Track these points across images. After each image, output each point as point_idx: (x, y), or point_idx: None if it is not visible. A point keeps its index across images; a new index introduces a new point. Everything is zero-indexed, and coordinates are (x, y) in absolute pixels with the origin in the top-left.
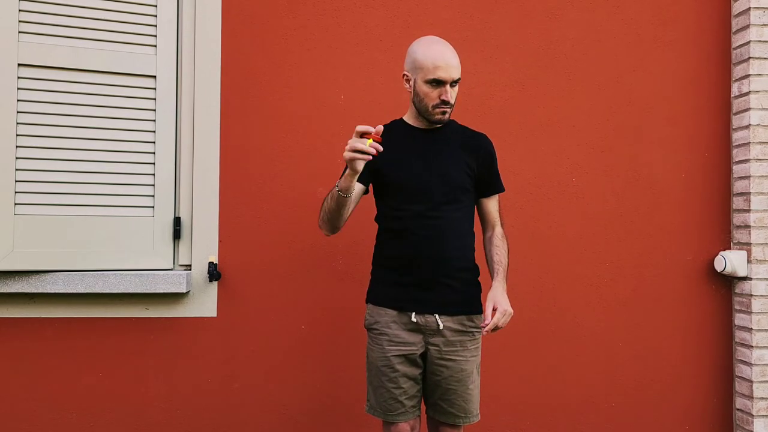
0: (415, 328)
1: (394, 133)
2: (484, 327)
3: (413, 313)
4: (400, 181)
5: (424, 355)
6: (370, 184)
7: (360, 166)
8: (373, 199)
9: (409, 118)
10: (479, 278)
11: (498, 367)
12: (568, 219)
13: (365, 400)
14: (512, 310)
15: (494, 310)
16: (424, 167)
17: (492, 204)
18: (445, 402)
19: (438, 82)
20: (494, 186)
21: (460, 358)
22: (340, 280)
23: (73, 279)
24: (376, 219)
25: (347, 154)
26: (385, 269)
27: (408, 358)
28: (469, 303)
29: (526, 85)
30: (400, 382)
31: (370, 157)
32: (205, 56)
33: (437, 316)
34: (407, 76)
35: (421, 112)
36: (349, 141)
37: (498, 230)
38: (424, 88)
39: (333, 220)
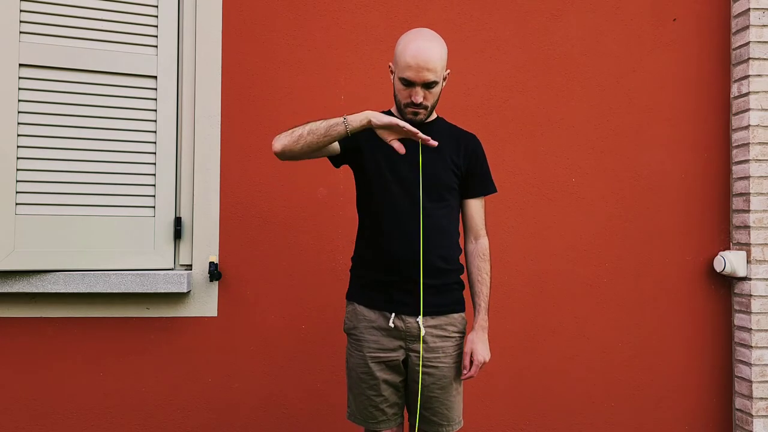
0: (396, 334)
1: None
2: (464, 376)
3: (392, 317)
4: (385, 176)
5: (405, 362)
6: (349, 169)
7: (386, 135)
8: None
9: (396, 110)
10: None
11: (498, 367)
12: (568, 219)
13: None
14: (489, 357)
15: (472, 360)
16: (410, 163)
17: (476, 207)
18: (428, 410)
19: (408, 82)
20: (481, 187)
21: (443, 365)
22: (340, 280)
23: (73, 279)
24: (358, 207)
25: (397, 124)
26: (366, 268)
27: (388, 365)
28: (452, 304)
29: (526, 85)
30: (380, 389)
31: (397, 141)
32: (206, 56)
33: (419, 319)
34: (391, 67)
35: (397, 106)
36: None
37: (482, 243)
38: (397, 84)
39: (309, 145)
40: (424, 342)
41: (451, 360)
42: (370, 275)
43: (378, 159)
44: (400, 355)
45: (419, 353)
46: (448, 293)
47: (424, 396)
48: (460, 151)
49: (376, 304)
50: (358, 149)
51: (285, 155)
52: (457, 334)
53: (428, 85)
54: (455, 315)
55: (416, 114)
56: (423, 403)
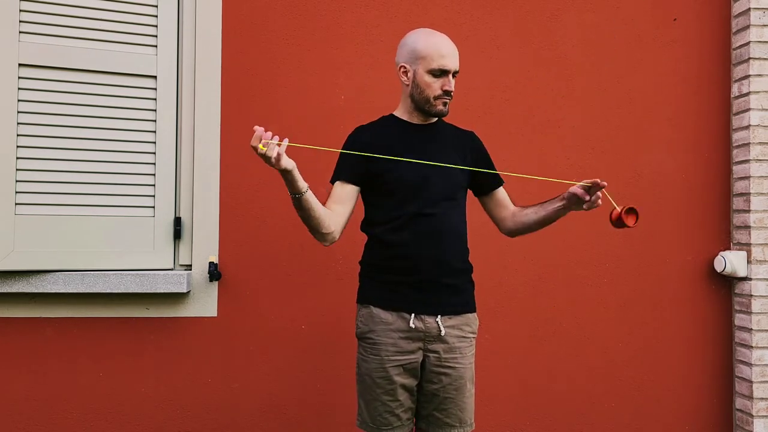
0: (415, 336)
1: (387, 129)
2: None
3: (412, 317)
4: (401, 177)
5: (421, 364)
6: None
7: (277, 164)
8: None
9: (402, 113)
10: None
11: (498, 367)
12: (568, 219)
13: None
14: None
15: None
16: (419, 166)
17: (504, 193)
18: (442, 412)
19: (443, 72)
20: (497, 178)
21: (460, 366)
22: (340, 279)
23: (73, 279)
24: (366, 224)
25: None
26: (383, 270)
27: (406, 369)
28: (468, 303)
29: (526, 85)
30: (397, 394)
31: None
32: (206, 56)
33: (439, 318)
34: (405, 67)
35: (421, 104)
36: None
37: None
38: (426, 79)
39: (313, 227)
40: (445, 342)
41: (467, 361)
42: (389, 277)
43: (396, 167)
44: (418, 357)
45: (438, 353)
46: (464, 293)
47: (439, 397)
48: (465, 149)
49: (395, 305)
50: (375, 170)
51: (326, 241)
52: (471, 335)
53: (455, 74)
54: (470, 315)
55: (446, 104)
56: (437, 404)
